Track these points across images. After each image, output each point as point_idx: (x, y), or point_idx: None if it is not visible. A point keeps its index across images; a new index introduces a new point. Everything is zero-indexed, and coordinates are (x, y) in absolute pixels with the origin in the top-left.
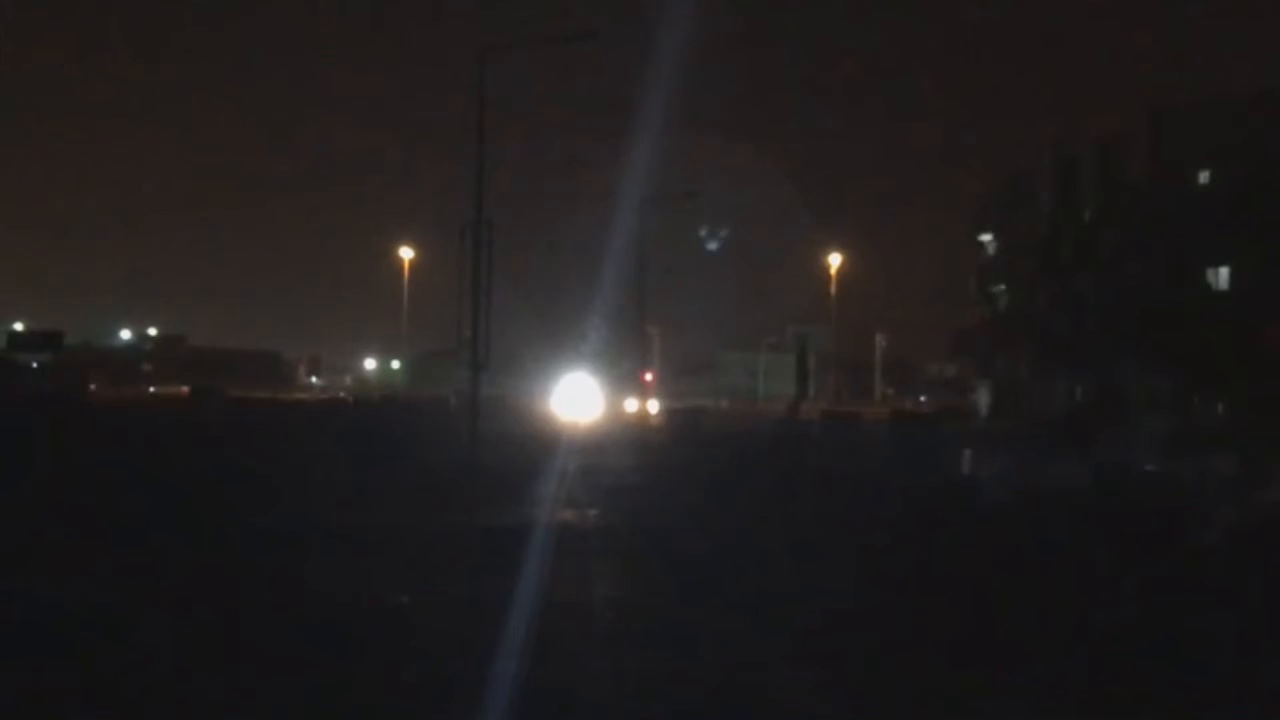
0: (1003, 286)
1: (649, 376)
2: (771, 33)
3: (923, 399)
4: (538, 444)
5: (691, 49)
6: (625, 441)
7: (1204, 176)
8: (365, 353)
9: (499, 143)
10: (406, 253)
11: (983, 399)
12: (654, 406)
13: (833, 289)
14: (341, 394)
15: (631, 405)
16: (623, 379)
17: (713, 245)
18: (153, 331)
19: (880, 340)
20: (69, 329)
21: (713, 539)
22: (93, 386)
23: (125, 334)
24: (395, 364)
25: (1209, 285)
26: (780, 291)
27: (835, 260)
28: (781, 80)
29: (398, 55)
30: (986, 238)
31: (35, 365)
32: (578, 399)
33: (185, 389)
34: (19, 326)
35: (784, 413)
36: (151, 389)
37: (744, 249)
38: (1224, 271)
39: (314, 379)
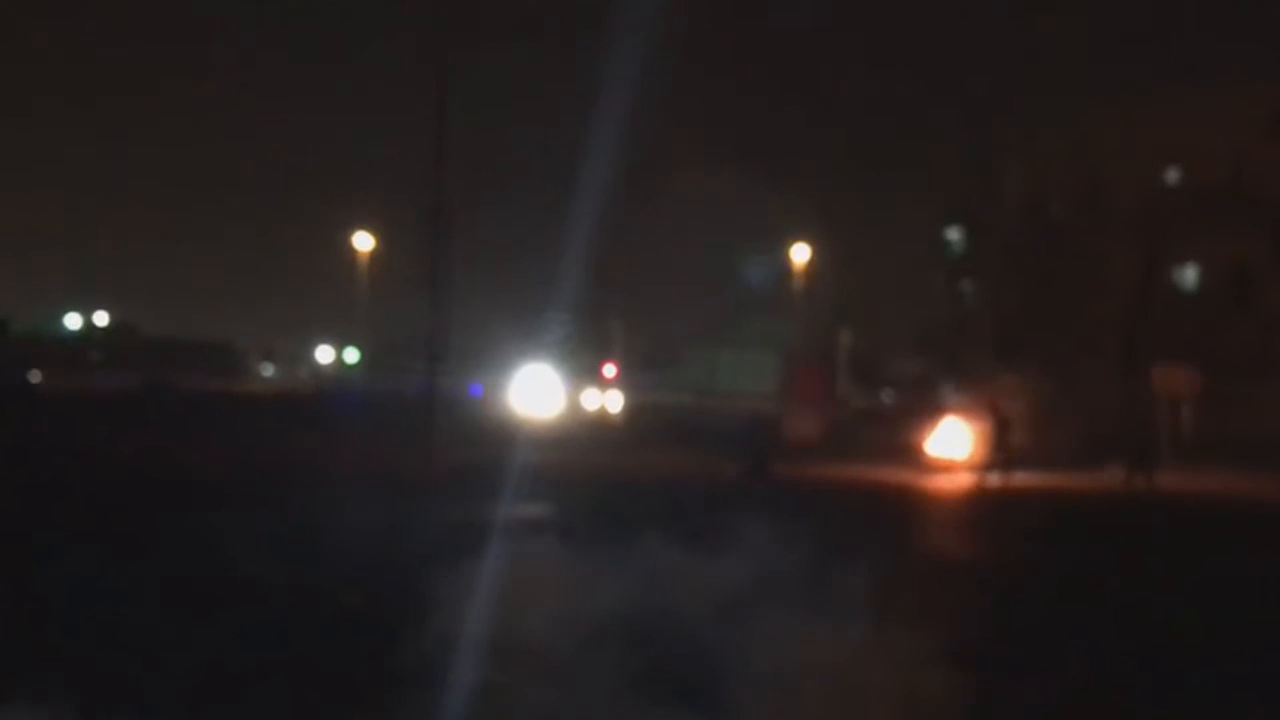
0: (969, 283)
1: (611, 370)
2: (739, 22)
3: (886, 396)
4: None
5: (657, 39)
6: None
7: (1172, 175)
8: (320, 342)
9: (461, 126)
10: (364, 240)
11: (948, 396)
12: (616, 402)
13: (797, 282)
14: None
15: (592, 401)
16: (582, 372)
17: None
18: (102, 319)
19: (845, 336)
20: (12, 316)
21: None
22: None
23: (74, 321)
24: (351, 354)
25: (1175, 284)
26: (742, 284)
27: (801, 253)
28: (748, 68)
29: (355, 40)
30: (954, 234)
31: None
32: (537, 393)
33: (133, 380)
34: None
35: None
36: (97, 380)
37: (709, 240)
38: (1190, 271)
39: (267, 370)
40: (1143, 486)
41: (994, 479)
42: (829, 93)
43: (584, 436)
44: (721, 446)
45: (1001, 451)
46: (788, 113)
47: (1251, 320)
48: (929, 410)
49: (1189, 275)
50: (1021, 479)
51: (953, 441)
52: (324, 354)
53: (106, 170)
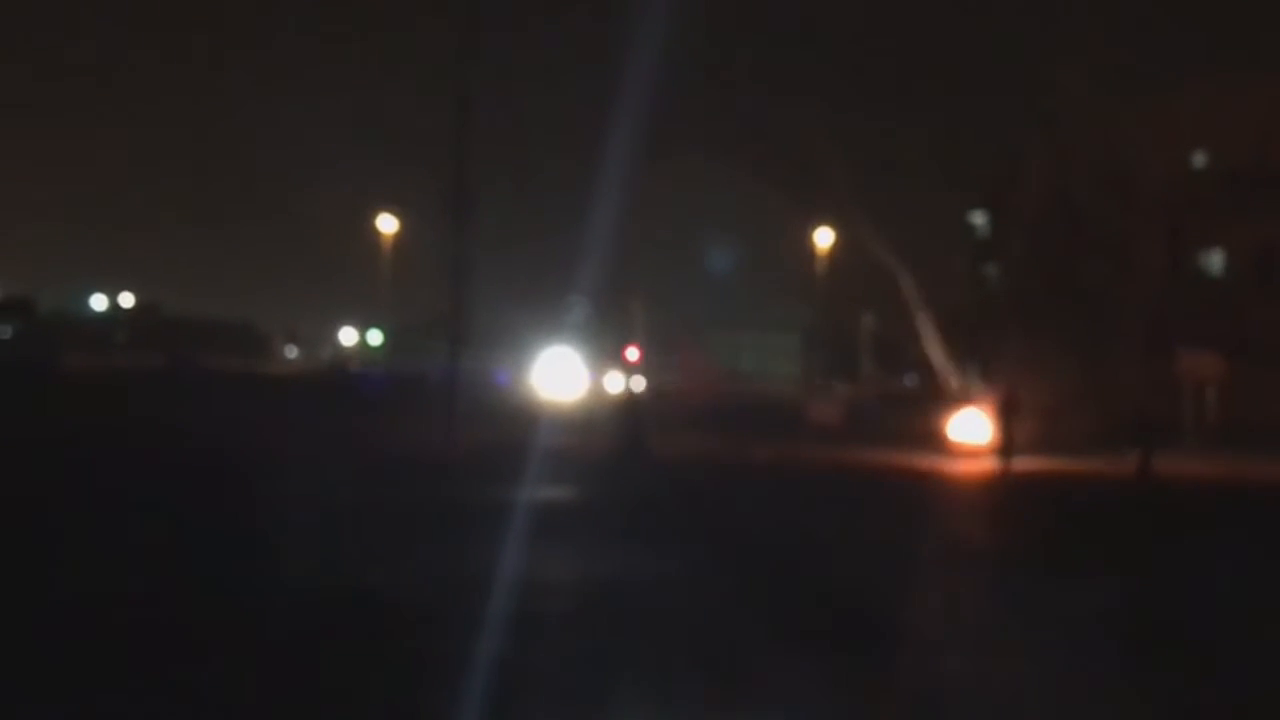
0: (993, 267)
1: (634, 353)
2: (764, 5)
3: (908, 380)
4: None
5: (680, 18)
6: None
7: (1198, 159)
8: (343, 324)
9: (487, 109)
10: (388, 222)
11: (971, 381)
12: (639, 385)
13: (821, 266)
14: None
15: (614, 384)
16: (605, 354)
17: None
18: (126, 300)
19: (867, 319)
20: (38, 297)
21: None
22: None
23: (99, 302)
24: (374, 336)
25: (1201, 268)
26: (764, 268)
27: (824, 237)
28: (767, 54)
29: (381, 22)
30: (977, 218)
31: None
32: (558, 376)
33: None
34: None
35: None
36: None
37: (729, 225)
38: (1216, 255)
39: (290, 352)
40: (1143, 472)
41: (1000, 464)
42: (852, 76)
43: (606, 419)
44: (744, 429)
45: (1008, 437)
46: (811, 95)
47: (1277, 304)
48: (951, 395)
49: (1215, 259)
50: (1030, 464)
51: (973, 426)
52: (347, 336)
53: (133, 152)
